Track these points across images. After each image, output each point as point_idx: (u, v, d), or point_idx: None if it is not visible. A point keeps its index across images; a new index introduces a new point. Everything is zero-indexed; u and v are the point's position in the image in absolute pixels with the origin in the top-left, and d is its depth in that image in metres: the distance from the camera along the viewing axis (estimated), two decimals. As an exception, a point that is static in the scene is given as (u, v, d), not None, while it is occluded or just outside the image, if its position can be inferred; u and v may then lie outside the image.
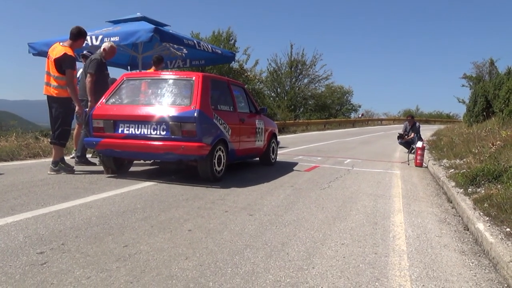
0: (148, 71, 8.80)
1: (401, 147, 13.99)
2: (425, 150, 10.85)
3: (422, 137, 13.93)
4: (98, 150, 6.48)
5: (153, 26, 8.86)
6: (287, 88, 40.37)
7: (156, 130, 6.01)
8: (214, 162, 6.31)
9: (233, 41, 27.73)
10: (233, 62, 19.33)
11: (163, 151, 5.97)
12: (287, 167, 8.46)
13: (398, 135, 13.72)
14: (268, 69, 40.09)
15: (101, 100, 6.52)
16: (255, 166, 8.43)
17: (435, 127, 29.47)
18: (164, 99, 6.33)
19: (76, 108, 6.55)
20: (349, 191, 6.15)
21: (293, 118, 33.49)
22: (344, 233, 3.92)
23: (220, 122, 6.47)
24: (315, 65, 41.62)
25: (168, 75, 6.88)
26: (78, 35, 6.63)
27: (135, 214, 4.22)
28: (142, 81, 6.83)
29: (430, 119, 55.84)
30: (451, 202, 5.62)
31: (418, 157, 9.84)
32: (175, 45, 10.81)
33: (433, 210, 5.19)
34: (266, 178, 6.90)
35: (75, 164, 7.28)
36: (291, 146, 14.23)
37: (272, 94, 39.96)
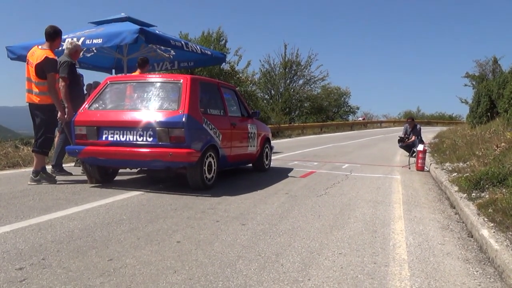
0: (133, 74, 8.78)
1: (402, 151, 14.04)
2: (427, 153, 10.88)
3: (424, 139, 13.97)
4: (81, 159, 6.39)
5: (138, 27, 8.86)
6: (281, 90, 40.47)
7: (143, 137, 5.93)
8: (204, 169, 6.26)
9: (223, 41, 27.80)
10: (224, 63, 19.33)
11: (150, 159, 5.91)
12: (282, 173, 8.47)
13: (399, 138, 13.76)
14: (261, 70, 40.19)
15: (83, 106, 6.46)
16: (247, 173, 8.43)
17: (437, 129, 29.57)
18: (150, 104, 6.27)
19: (59, 114, 6.49)
20: (347, 197, 6.15)
21: (288, 121, 33.56)
22: (341, 242, 3.92)
23: (210, 127, 6.44)
24: (310, 66, 41.77)
25: (154, 78, 6.79)
26: (54, 34, 6.56)
27: (121, 225, 4.20)
28: (127, 84, 6.76)
29: (432, 121, 56.13)
30: (454, 208, 5.64)
31: (420, 161, 9.88)
32: (162, 47, 10.83)
33: (435, 216, 5.20)
34: (260, 185, 6.90)
35: (55, 173, 7.23)
36: (286, 151, 14.24)
37: (266, 97, 40.06)
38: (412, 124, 13.76)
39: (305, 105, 43.46)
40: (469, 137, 12.33)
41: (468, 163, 8.09)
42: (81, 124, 6.22)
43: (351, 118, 49.78)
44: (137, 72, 8.90)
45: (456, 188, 6.24)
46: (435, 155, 11.66)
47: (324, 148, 16.53)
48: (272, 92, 40.69)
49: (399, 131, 16.90)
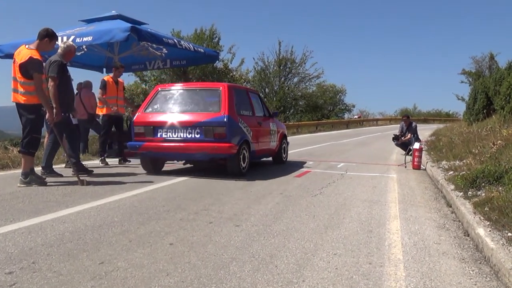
0: (109, 76, 9.52)
1: (398, 149, 14.10)
2: (423, 152, 10.92)
3: (420, 137, 14.03)
4: (141, 153, 8.00)
5: (129, 25, 8.87)
6: (275, 88, 40.56)
7: (191, 134, 7.61)
8: (240, 159, 7.86)
9: (217, 39, 27.84)
10: (217, 61, 19.36)
11: (198, 151, 7.56)
12: (276, 173, 8.51)
13: (393, 136, 13.82)
14: (255, 68, 40.29)
15: (140, 109, 8.16)
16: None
17: (434, 127, 29.71)
18: (196, 107, 7.99)
19: (47, 115, 6.45)
20: (342, 197, 6.18)
21: (283, 120, 33.58)
22: (336, 243, 3.94)
23: (244, 126, 8.08)
24: (305, 63, 41.93)
25: (198, 86, 9.14)
26: (45, 36, 6.54)
27: (112, 228, 4.20)
28: (174, 91, 8.42)
29: (428, 118, 56.29)
30: (450, 207, 5.67)
31: (416, 159, 9.92)
32: (154, 45, 10.84)
33: (431, 215, 5.23)
34: (253, 186, 6.93)
35: (45, 174, 7.21)
36: None
37: (260, 95, 40.16)
38: (408, 122, 13.83)
39: (300, 103, 43.58)
40: (466, 135, 12.39)
41: (464, 161, 8.13)
42: (139, 124, 7.91)
43: (346, 116, 49.91)
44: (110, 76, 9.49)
45: (452, 187, 6.28)
46: (432, 153, 11.71)
47: (320, 147, 16.57)
48: (267, 90, 40.80)
49: (395, 129, 16.97)
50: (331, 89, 48.30)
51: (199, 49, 11.93)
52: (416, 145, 10.10)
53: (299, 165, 10.14)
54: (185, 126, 7.62)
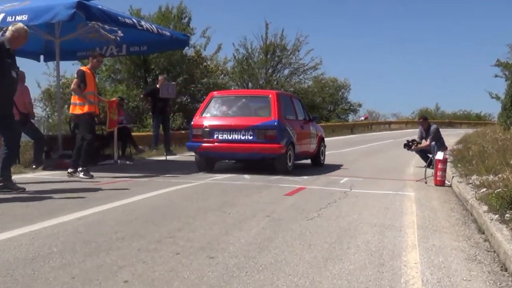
0: (86, 67, 10.21)
1: (416, 160, 14.14)
2: (448, 163, 10.92)
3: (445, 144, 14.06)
4: (199, 152, 11.17)
5: (75, 0, 8.76)
6: (261, 83, 40.24)
7: (245, 136, 10.81)
8: (287, 158, 10.91)
9: (186, 19, 27.85)
10: (187, 47, 19.29)
11: (251, 151, 10.79)
12: (262, 190, 8.49)
13: (405, 142, 13.82)
14: (235, 57, 40.00)
15: (197, 114, 11.59)
16: (217, 190, 8.46)
17: (461, 132, 29.88)
18: (248, 112, 11.56)
19: None
20: (346, 221, 6.15)
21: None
22: (339, 279, 3.91)
23: (290, 129, 11.22)
24: (298, 51, 41.66)
25: (248, 93, 14.51)
26: None
27: (50, 261, 4.12)
28: (227, 97, 12.31)
29: (454, 121, 56.81)
30: (483, 233, 5.65)
31: (439, 173, 9.88)
32: (106, 26, 10.72)
33: (459, 244, 5.20)
34: (233, 205, 6.90)
35: None
36: None
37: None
38: (426, 125, 13.88)
39: (292, 101, 43.48)
40: (502, 142, 12.44)
41: (500, 175, 8.13)
42: (197, 127, 11.21)
43: (351, 118, 50.07)
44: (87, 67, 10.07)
45: (485, 208, 6.24)
46: (459, 165, 11.72)
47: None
48: (250, 84, 40.50)
49: (413, 134, 17.04)
50: (332, 84, 48.42)
51: (164, 32, 11.88)
52: (440, 155, 10.06)
53: (290, 180, 10.13)
54: (239, 129, 10.83)
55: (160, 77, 16.25)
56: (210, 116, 11.39)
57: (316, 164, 13.41)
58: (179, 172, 10.96)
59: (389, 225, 6.01)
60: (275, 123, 10.67)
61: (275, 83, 40.58)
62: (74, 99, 9.85)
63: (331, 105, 48.70)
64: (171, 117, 21.41)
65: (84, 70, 9.95)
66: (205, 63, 27.93)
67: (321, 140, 13.69)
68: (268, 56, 40.95)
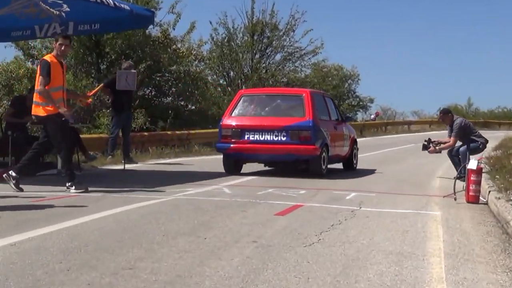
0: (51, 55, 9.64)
1: (445, 169, 14.04)
2: (483, 174, 10.58)
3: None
4: (228, 153, 12.52)
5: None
6: (246, 71, 39.65)
7: (278, 137, 12.01)
8: (322, 159, 12.22)
9: (151, -9, 27.12)
10: (151, 26, 18.90)
11: (284, 153, 12.09)
12: (247, 209, 8.30)
13: (424, 143, 13.50)
14: (213, 38, 39.03)
15: (226, 113, 13.01)
16: (190, 208, 8.25)
17: (500, 134, 30.37)
18: (281, 112, 12.82)
19: None
20: (354, 247, 5.94)
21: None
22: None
23: (324, 130, 12.52)
24: (293, 31, 40.92)
25: (280, 92, 15.78)
26: None
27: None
28: (258, 96, 13.73)
29: (490, 121, 57.54)
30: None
31: (472, 187, 9.46)
32: (48, -2, 10.25)
33: (497, 277, 5.01)
34: (209, 228, 6.76)
35: None
36: (253, 170, 14.07)
37: (221, 81, 39.02)
38: (448, 120, 13.20)
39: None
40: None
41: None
42: (227, 127, 12.53)
43: (360, 116, 50.04)
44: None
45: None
46: (497, 176, 11.39)
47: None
48: (232, 73, 39.85)
49: (439, 136, 17.00)
50: (336, 73, 48.32)
51: (122, 6, 11.28)
52: (473, 164, 9.67)
53: (283, 195, 9.94)
54: (272, 129, 12.09)
55: (125, 63, 16.02)
56: (240, 116, 12.81)
57: (349, 168, 14.78)
58: (141, 185, 10.59)
59: (408, 253, 5.85)
60: (310, 124, 11.94)
61: (264, 71, 39.44)
62: (37, 97, 9.36)
63: (335, 99, 48.51)
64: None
65: (48, 59, 9.36)
66: (174, 46, 27.25)
67: (353, 142, 15.10)
68: (255, 38, 39.86)
